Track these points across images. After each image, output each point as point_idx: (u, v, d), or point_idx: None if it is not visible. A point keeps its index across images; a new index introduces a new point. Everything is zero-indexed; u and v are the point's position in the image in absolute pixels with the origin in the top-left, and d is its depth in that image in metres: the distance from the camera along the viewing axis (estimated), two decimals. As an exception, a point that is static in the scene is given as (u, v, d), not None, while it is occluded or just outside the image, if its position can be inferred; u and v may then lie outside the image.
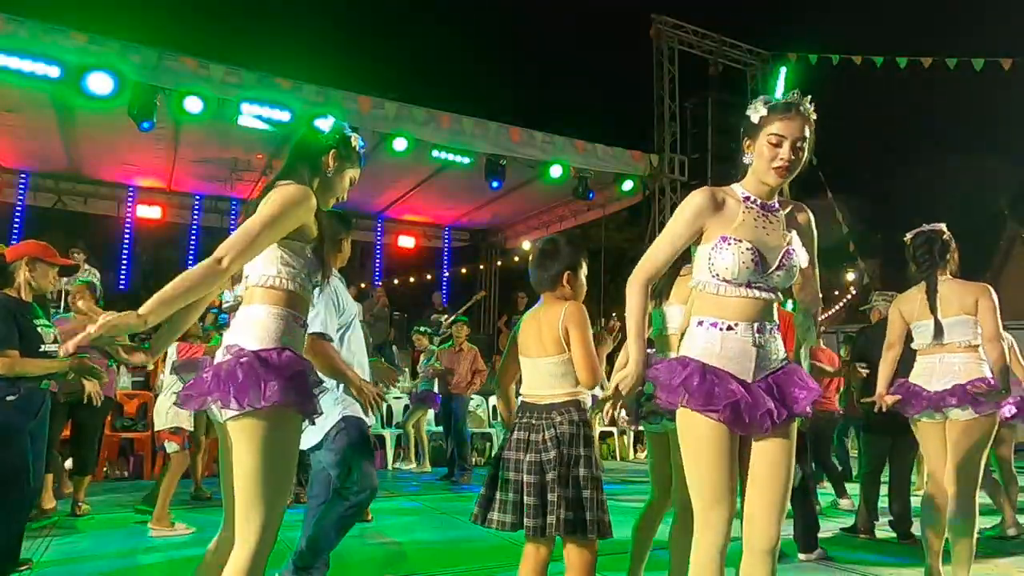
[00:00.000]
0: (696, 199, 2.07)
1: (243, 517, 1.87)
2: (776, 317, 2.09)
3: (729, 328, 2.00)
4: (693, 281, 2.10)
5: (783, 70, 12.39)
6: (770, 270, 2.00)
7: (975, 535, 3.15)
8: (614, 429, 9.99)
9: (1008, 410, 3.10)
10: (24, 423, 3.21)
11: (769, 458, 2.00)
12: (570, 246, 2.55)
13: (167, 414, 4.76)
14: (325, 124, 2.27)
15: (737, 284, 1.99)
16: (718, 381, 1.96)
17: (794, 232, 2.09)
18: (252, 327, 1.94)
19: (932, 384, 3.18)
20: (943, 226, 3.36)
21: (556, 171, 10.07)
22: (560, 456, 2.31)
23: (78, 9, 9.37)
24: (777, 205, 2.11)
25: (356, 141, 2.24)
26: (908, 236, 3.43)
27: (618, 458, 9.83)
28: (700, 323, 2.05)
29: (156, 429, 4.84)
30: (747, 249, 1.98)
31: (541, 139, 9.96)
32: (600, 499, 2.33)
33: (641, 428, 3.24)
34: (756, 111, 2.06)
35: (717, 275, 2.01)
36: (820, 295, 2.27)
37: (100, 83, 7.15)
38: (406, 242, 13.79)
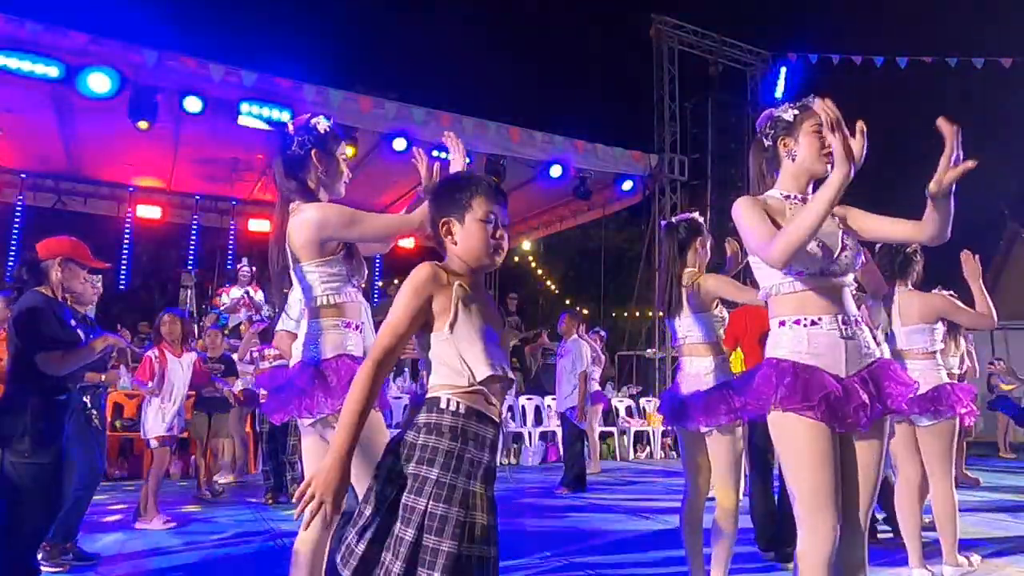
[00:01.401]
0: (748, 201, 2.05)
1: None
2: (856, 308, 2.05)
3: (813, 323, 1.98)
4: (764, 289, 2.10)
5: (783, 70, 12.39)
6: (836, 254, 2.00)
7: (958, 523, 3.45)
8: (614, 429, 9.99)
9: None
10: (60, 425, 3.04)
11: (859, 465, 1.97)
12: (454, 182, 1.79)
13: (152, 424, 4.98)
14: (289, 127, 2.30)
15: (811, 275, 1.99)
16: (810, 377, 1.93)
17: (837, 218, 2.10)
18: (311, 342, 2.15)
19: None
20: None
21: (556, 171, 10.07)
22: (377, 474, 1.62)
23: (78, 9, 9.37)
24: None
25: (322, 125, 2.28)
26: (877, 248, 3.56)
27: (618, 458, 9.83)
28: (782, 323, 2.03)
29: (148, 436, 5.02)
30: None
31: (541, 139, 9.96)
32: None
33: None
34: (787, 112, 2.13)
35: (791, 270, 2.00)
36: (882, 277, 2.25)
37: (100, 83, 7.15)
38: (406, 242, 13.79)
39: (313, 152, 2.23)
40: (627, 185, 11.16)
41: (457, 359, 1.63)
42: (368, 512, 1.56)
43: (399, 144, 8.75)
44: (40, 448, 2.85)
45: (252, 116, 7.97)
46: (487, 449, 1.63)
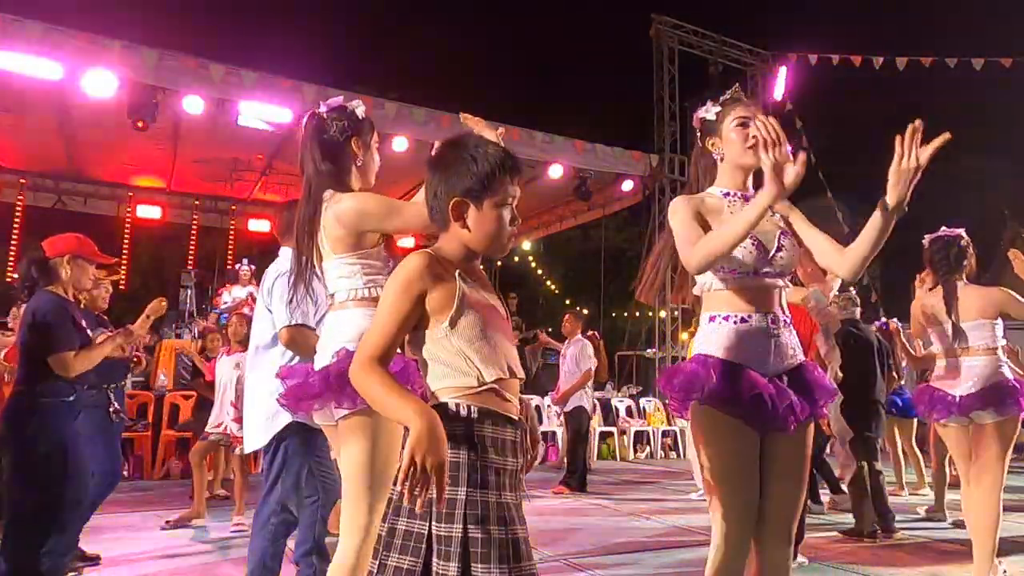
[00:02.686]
0: (680, 202, 2.05)
1: (352, 510, 1.90)
2: (787, 309, 2.03)
3: (743, 320, 1.96)
4: (699, 285, 2.07)
5: (783, 70, 12.38)
6: (771, 254, 1.98)
7: (997, 531, 3.22)
8: (614, 429, 9.99)
9: None
10: (68, 424, 2.94)
11: (783, 469, 1.93)
12: (471, 152, 1.48)
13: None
14: (322, 110, 2.19)
15: (744, 274, 1.97)
16: (739, 375, 1.89)
17: (779, 215, 2.08)
18: (352, 329, 1.98)
19: (956, 388, 3.25)
20: (961, 231, 3.45)
21: (556, 171, 10.06)
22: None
23: (78, 9, 9.37)
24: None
25: (359, 109, 2.20)
26: (926, 240, 3.49)
27: (618, 458, 9.82)
28: (712, 319, 2.01)
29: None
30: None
31: (541, 139, 9.95)
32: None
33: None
34: (709, 111, 2.13)
35: (724, 269, 1.98)
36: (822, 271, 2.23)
37: (100, 83, 7.15)
38: (406, 242, 13.79)
39: (353, 140, 2.14)
40: (627, 185, 11.15)
41: (461, 358, 1.42)
42: (393, 558, 1.34)
43: (399, 144, 8.75)
44: (45, 449, 2.84)
45: (252, 116, 7.97)
46: (509, 452, 1.42)
